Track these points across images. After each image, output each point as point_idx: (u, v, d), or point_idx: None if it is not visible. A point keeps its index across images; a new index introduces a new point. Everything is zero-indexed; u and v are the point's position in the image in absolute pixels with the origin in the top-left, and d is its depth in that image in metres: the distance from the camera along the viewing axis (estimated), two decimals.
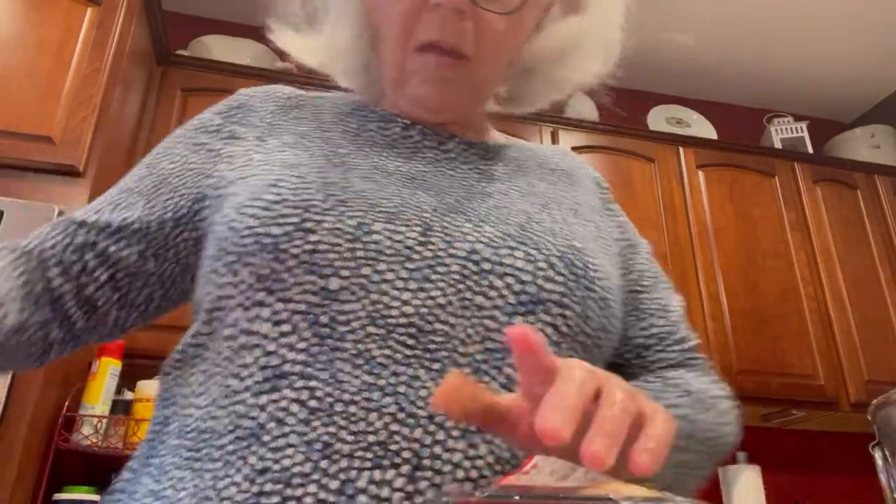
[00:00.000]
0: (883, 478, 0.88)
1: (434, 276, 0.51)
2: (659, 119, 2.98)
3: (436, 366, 0.49)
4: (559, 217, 0.61)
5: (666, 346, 0.65)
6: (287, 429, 0.46)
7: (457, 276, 0.51)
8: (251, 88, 0.69)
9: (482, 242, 0.53)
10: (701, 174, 2.63)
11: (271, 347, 0.49)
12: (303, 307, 0.49)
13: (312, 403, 0.46)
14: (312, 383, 0.47)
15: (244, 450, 0.46)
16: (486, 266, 0.52)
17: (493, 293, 0.52)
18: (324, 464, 0.44)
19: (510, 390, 0.50)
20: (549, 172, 0.69)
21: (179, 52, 2.40)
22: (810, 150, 2.91)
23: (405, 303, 0.50)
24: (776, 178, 2.71)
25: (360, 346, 0.48)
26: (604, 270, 0.58)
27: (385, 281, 0.50)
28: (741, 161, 2.70)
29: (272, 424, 0.46)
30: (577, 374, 0.35)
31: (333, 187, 0.54)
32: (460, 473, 0.45)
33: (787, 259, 2.54)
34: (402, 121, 0.65)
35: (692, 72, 3.16)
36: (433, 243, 0.52)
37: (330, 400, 0.46)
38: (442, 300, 0.50)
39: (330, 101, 0.69)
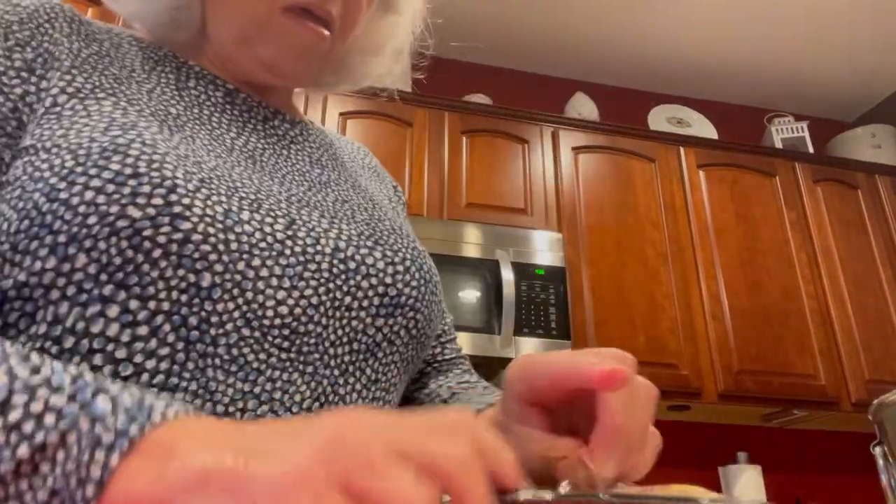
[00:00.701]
0: (884, 478, 0.88)
1: (306, 274, 0.47)
2: (659, 119, 2.98)
3: (309, 369, 0.46)
4: (390, 215, 0.60)
5: (444, 345, 0.68)
6: None
7: (327, 275, 0.48)
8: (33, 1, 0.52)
9: (343, 240, 0.51)
10: (702, 174, 2.63)
11: (121, 354, 0.41)
12: (166, 306, 0.42)
13: None
14: (178, 395, 0.41)
15: None
16: (352, 265, 0.50)
17: (359, 294, 0.50)
18: None
19: (368, 390, 0.50)
20: (361, 168, 0.68)
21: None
22: (811, 149, 2.91)
23: (280, 302, 0.45)
24: (777, 177, 2.71)
25: (233, 350, 0.43)
26: (436, 271, 0.58)
27: (259, 278, 0.45)
28: (742, 161, 2.70)
29: None
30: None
31: (188, 162, 0.45)
32: None
33: (787, 259, 2.54)
34: (224, 85, 0.58)
35: (692, 72, 3.16)
36: (300, 238, 0.48)
37: (203, 411, 0.41)
38: (315, 300, 0.47)
39: (126, 39, 0.57)
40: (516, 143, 2.51)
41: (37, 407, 0.29)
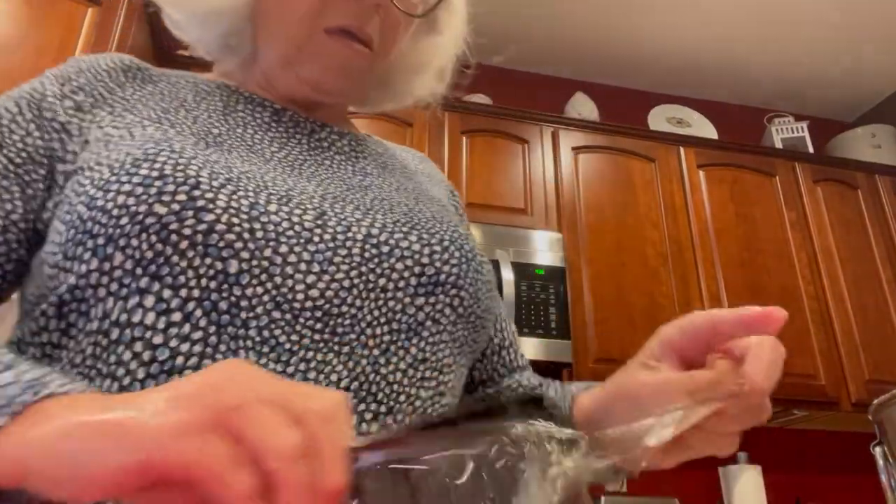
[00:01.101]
0: (884, 477, 0.88)
1: (336, 259, 0.49)
2: (659, 119, 2.98)
3: (345, 349, 0.47)
4: (435, 208, 0.61)
5: (515, 351, 0.70)
6: None
7: (358, 259, 0.50)
8: (91, 55, 0.60)
9: (377, 228, 0.53)
10: (701, 174, 2.63)
11: (158, 340, 0.44)
12: (196, 293, 0.45)
13: None
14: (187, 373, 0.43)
15: None
16: (385, 249, 0.52)
17: (394, 275, 0.51)
18: None
19: (416, 370, 0.51)
20: (412, 173, 0.70)
21: (180, 52, 2.40)
22: (811, 149, 2.91)
23: (310, 286, 0.47)
24: (777, 177, 2.71)
25: (264, 332, 0.45)
26: (483, 256, 0.60)
27: (288, 263, 0.47)
28: (742, 161, 2.70)
29: None
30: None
31: (216, 165, 0.49)
32: None
33: (787, 259, 2.54)
34: (271, 105, 0.62)
35: (692, 72, 3.16)
36: (330, 227, 0.51)
37: None
38: (347, 283, 0.49)
39: (184, 79, 0.63)
40: (516, 143, 2.51)
41: None
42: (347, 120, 0.71)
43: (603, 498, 2.12)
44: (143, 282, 0.44)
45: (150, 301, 0.44)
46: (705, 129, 2.98)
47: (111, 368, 0.44)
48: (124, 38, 1.92)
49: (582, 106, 2.83)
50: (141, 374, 0.43)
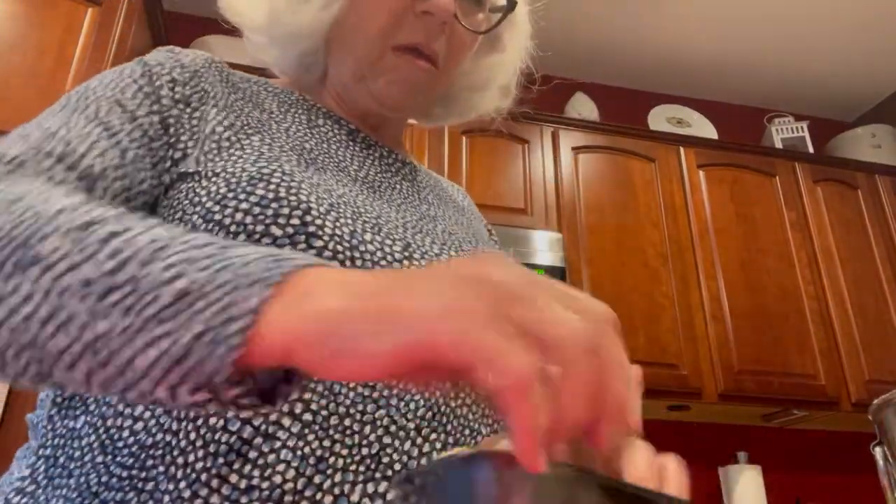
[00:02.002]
0: (884, 478, 0.88)
1: None
2: (659, 119, 2.98)
3: None
4: (487, 248, 0.64)
5: None
6: (278, 444, 0.43)
7: None
8: (185, 51, 0.61)
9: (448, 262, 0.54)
10: (701, 174, 2.63)
11: None
12: None
13: (307, 417, 0.44)
14: (307, 395, 0.45)
15: (222, 467, 0.42)
16: None
17: None
18: (317, 479, 0.43)
19: (479, 406, 0.52)
20: (461, 209, 0.73)
21: None
22: (811, 149, 2.91)
23: None
24: (777, 177, 2.71)
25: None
26: None
27: None
28: (742, 161, 2.70)
29: (259, 440, 0.43)
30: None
31: (320, 189, 0.52)
32: None
33: (788, 259, 2.54)
34: (347, 124, 0.64)
35: (692, 72, 3.16)
36: (415, 258, 0.53)
37: (325, 413, 0.44)
38: None
39: (263, 87, 0.65)
40: (516, 143, 2.51)
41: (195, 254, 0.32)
42: (403, 145, 0.74)
43: None
44: None
45: None
46: (705, 129, 2.98)
47: None
48: (124, 38, 1.92)
49: (582, 106, 2.83)
50: None
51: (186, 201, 0.50)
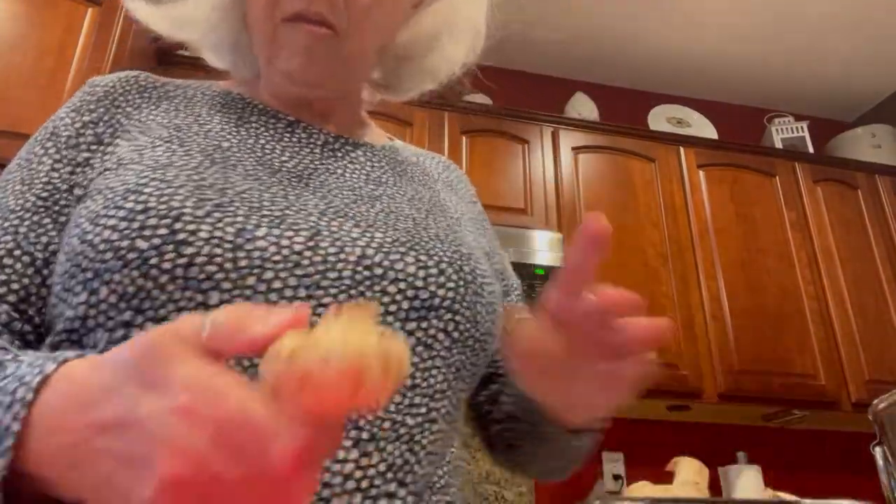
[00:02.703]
0: (884, 477, 0.88)
1: (324, 283, 0.48)
2: (659, 119, 2.98)
3: None
4: (444, 224, 0.60)
5: None
6: None
7: (349, 282, 0.49)
8: (107, 77, 0.62)
9: (372, 248, 0.52)
10: (701, 174, 2.63)
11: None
12: None
13: None
14: None
15: None
16: (378, 271, 0.51)
17: (385, 299, 0.50)
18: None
19: (403, 396, 0.49)
20: (432, 181, 0.69)
21: (180, 52, 2.40)
22: (811, 149, 2.91)
23: None
24: (777, 177, 2.71)
25: (244, 361, 0.45)
26: (489, 276, 0.58)
27: (272, 290, 0.47)
28: (742, 161, 2.70)
29: None
30: None
31: (209, 190, 0.50)
32: (350, 485, 0.44)
33: (788, 259, 2.54)
34: (286, 117, 0.63)
35: (692, 72, 3.16)
36: (322, 248, 0.50)
37: None
38: (334, 308, 0.47)
39: (200, 91, 0.65)
40: (516, 143, 2.51)
41: None
42: (366, 126, 0.71)
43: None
44: (128, 315, 0.45)
45: (134, 333, 0.45)
46: (705, 129, 2.98)
47: None
48: (124, 38, 1.92)
49: (582, 106, 2.83)
50: None
51: (72, 223, 0.50)
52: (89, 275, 0.46)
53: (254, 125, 0.61)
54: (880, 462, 0.91)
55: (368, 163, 0.63)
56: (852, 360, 2.42)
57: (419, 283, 0.51)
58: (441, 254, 0.54)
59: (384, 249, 0.52)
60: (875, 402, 0.96)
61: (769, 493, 2.15)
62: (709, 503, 1.86)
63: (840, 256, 2.60)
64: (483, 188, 2.35)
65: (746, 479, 2.31)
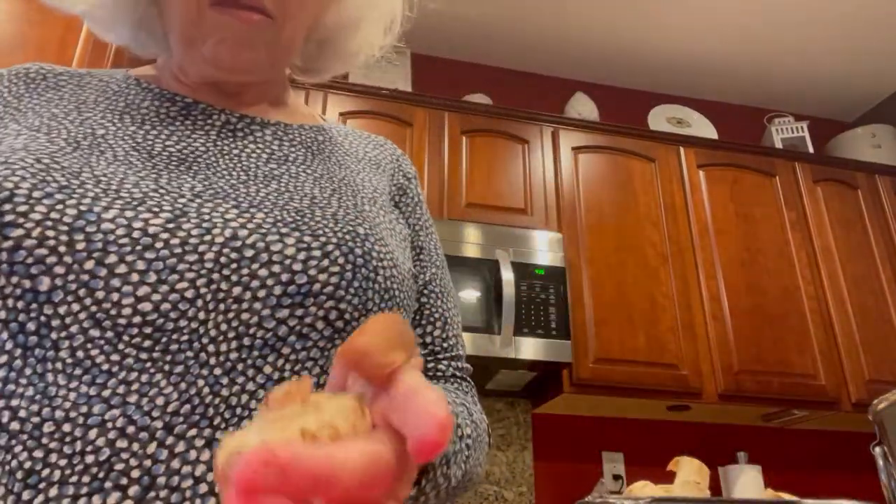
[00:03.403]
0: (884, 477, 0.88)
1: (181, 267, 0.45)
2: (659, 119, 2.98)
3: (178, 369, 0.43)
4: (350, 203, 0.55)
5: (439, 360, 0.61)
6: None
7: (210, 265, 0.45)
8: (2, 69, 0.61)
9: (247, 229, 0.48)
10: (701, 174, 2.63)
11: None
12: (3, 315, 0.42)
13: (13, 426, 0.40)
14: (14, 402, 0.41)
15: None
16: (249, 253, 0.46)
17: (255, 283, 0.46)
18: (26, 495, 0.39)
19: (268, 391, 0.45)
20: (354, 160, 0.64)
21: None
22: (811, 149, 2.91)
23: (140, 299, 0.43)
24: (777, 177, 2.71)
25: (78, 353, 0.42)
26: (390, 259, 0.54)
27: (115, 275, 0.43)
28: (742, 161, 2.70)
29: None
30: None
31: (58, 173, 0.46)
32: (203, 488, 0.41)
33: (788, 259, 2.54)
34: (182, 99, 0.59)
35: (692, 72, 3.16)
36: (184, 230, 0.46)
37: (36, 420, 0.40)
38: (190, 293, 0.44)
39: (98, 78, 0.62)
40: (516, 143, 2.51)
41: None
42: (287, 106, 0.68)
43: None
44: None
45: None
46: (705, 129, 2.98)
47: None
48: None
49: (582, 106, 2.83)
50: None
51: None
52: None
53: (143, 110, 0.57)
54: (880, 462, 0.91)
55: (276, 142, 0.60)
56: (852, 360, 2.42)
57: (297, 267, 0.47)
58: (330, 235, 0.50)
59: (261, 230, 0.48)
60: (875, 402, 0.96)
61: (769, 493, 2.15)
62: (709, 503, 1.86)
63: (840, 256, 2.60)
64: (483, 188, 2.36)
65: (746, 479, 2.31)
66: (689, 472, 2.01)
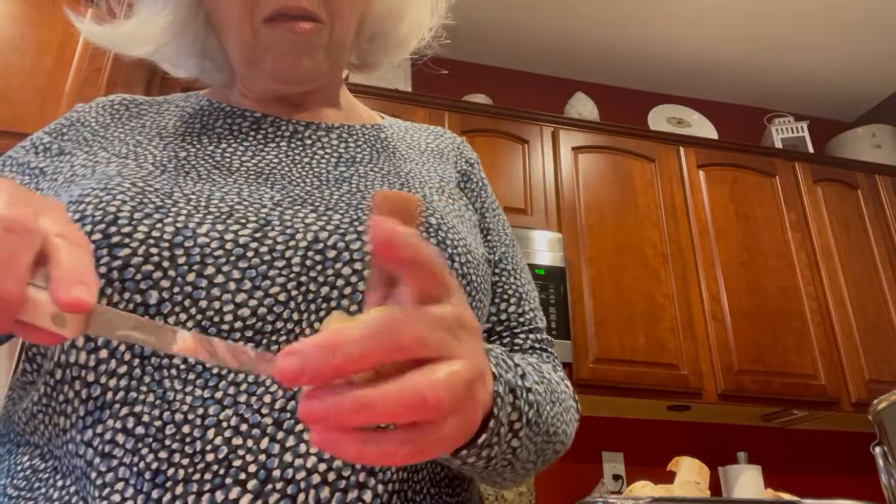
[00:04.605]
0: (884, 478, 0.88)
1: (272, 273, 0.48)
2: (659, 119, 2.98)
3: None
4: (419, 195, 0.57)
5: (516, 334, 0.62)
6: (115, 462, 0.42)
7: (298, 269, 0.48)
8: (91, 102, 0.65)
9: (327, 231, 0.50)
10: (702, 174, 2.63)
11: (90, 378, 0.45)
12: None
13: (139, 430, 0.43)
14: (137, 408, 0.44)
15: (82, 490, 0.43)
16: (331, 254, 0.49)
17: (340, 282, 0.48)
18: (155, 494, 0.41)
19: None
20: (417, 153, 0.67)
21: None
22: (811, 149, 2.91)
23: (239, 305, 0.46)
24: (777, 177, 2.71)
25: (190, 359, 0.45)
26: (463, 245, 0.55)
27: (214, 285, 0.46)
28: (742, 161, 2.70)
29: (98, 460, 0.43)
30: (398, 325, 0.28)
31: (153, 195, 0.50)
32: (316, 479, 0.43)
33: (787, 259, 2.54)
34: (252, 114, 0.62)
35: (692, 72, 3.16)
36: (270, 238, 0.49)
37: (158, 423, 0.43)
38: (283, 296, 0.47)
39: (174, 104, 0.66)
40: (516, 143, 2.51)
41: None
42: (346, 107, 0.69)
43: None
44: None
45: (80, 341, 0.46)
46: (705, 129, 2.98)
47: (62, 406, 0.46)
48: None
49: (582, 106, 2.83)
50: (81, 411, 0.45)
51: None
52: None
53: (217, 129, 0.61)
54: (880, 462, 0.91)
55: (342, 145, 0.62)
56: (852, 360, 2.42)
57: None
58: None
59: (340, 231, 0.50)
60: (875, 402, 0.96)
61: (769, 493, 2.15)
62: (709, 503, 1.86)
63: (840, 256, 2.60)
64: None
65: (746, 479, 2.31)
66: (689, 472, 2.01)
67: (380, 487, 0.45)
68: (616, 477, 2.38)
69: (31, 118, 1.73)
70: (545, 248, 2.26)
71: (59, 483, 0.45)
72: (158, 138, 0.59)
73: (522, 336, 0.63)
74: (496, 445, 0.42)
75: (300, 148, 0.60)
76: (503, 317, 0.63)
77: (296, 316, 0.47)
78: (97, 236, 0.46)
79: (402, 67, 2.69)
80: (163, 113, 0.63)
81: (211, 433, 0.43)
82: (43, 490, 0.45)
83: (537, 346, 0.63)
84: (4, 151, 1.90)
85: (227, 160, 0.57)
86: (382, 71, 0.73)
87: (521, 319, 0.63)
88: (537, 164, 2.48)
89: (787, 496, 1.86)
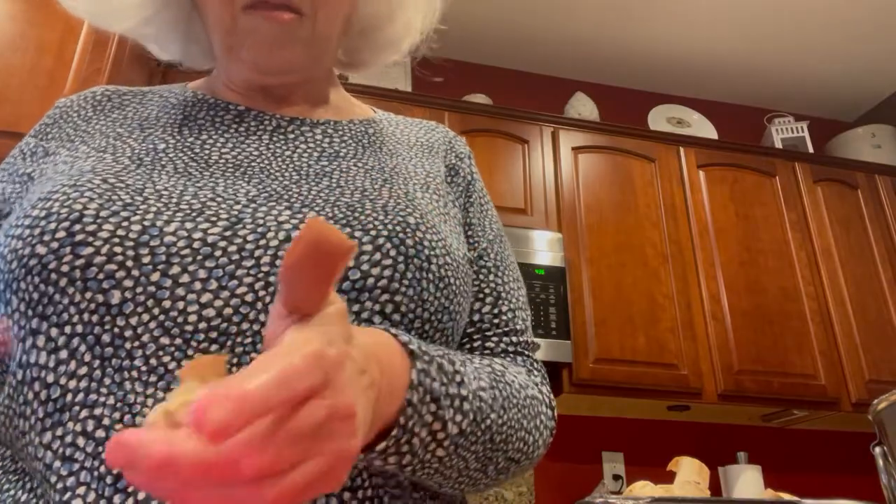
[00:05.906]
0: (884, 478, 0.88)
1: (239, 272, 0.46)
2: (659, 119, 2.98)
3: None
4: (401, 192, 0.56)
5: (487, 336, 0.60)
6: (76, 466, 0.41)
7: (267, 269, 0.47)
8: (72, 95, 0.64)
9: (299, 229, 0.47)
10: (701, 174, 2.63)
11: (50, 378, 0.44)
12: (80, 329, 0.44)
13: (99, 434, 0.42)
14: (97, 411, 0.43)
15: (46, 494, 0.42)
16: None
17: None
18: (118, 499, 0.40)
19: None
20: (406, 147, 0.65)
21: None
22: (811, 149, 2.91)
23: (204, 306, 0.45)
24: (777, 177, 2.71)
25: (151, 361, 0.44)
26: (443, 246, 0.53)
27: (179, 285, 0.45)
28: (742, 161, 2.70)
29: (58, 463, 0.42)
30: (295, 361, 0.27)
31: (124, 192, 0.49)
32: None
33: (787, 259, 2.54)
34: (235, 107, 0.61)
35: (692, 72, 3.16)
36: (240, 237, 0.48)
37: (119, 426, 0.42)
38: (250, 297, 0.46)
39: (159, 94, 0.65)
40: (516, 143, 2.51)
41: None
42: (335, 102, 0.68)
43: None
44: (35, 322, 0.45)
45: (41, 341, 0.45)
46: (705, 129, 2.98)
47: (21, 408, 0.45)
48: (124, 38, 1.92)
49: (582, 106, 2.83)
50: (41, 412, 0.44)
51: None
52: (2, 286, 0.46)
53: (199, 121, 0.60)
54: (880, 462, 0.91)
55: (327, 140, 0.61)
56: (852, 360, 2.42)
57: (349, 263, 0.47)
58: (381, 228, 0.50)
59: None
60: (875, 402, 0.96)
61: (769, 493, 2.15)
62: (709, 503, 1.86)
63: (840, 256, 2.60)
64: None
65: (746, 479, 2.31)
66: (689, 472, 2.01)
67: (346, 495, 0.43)
68: (616, 477, 2.38)
69: (31, 118, 1.73)
70: (545, 248, 2.26)
71: (28, 486, 0.44)
72: (139, 130, 0.58)
73: (495, 339, 0.60)
74: (408, 454, 0.41)
75: (282, 142, 0.59)
76: (475, 317, 0.60)
77: (262, 317, 0.45)
78: (61, 234, 0.45)
79: (402, 67, 2.69)
80: (146, 104, 0.63)
81: None
82: (11, 492, 0.44)
83: (511, 349, 0.60)
84: (4, 151, 1.90)
85: (206, 152, 0.56)
86: (373, 69, 0.72)
87: (496, 321, 0.60)
88: (537, 164, 2.48)
89: (787, 496, 1.86)
